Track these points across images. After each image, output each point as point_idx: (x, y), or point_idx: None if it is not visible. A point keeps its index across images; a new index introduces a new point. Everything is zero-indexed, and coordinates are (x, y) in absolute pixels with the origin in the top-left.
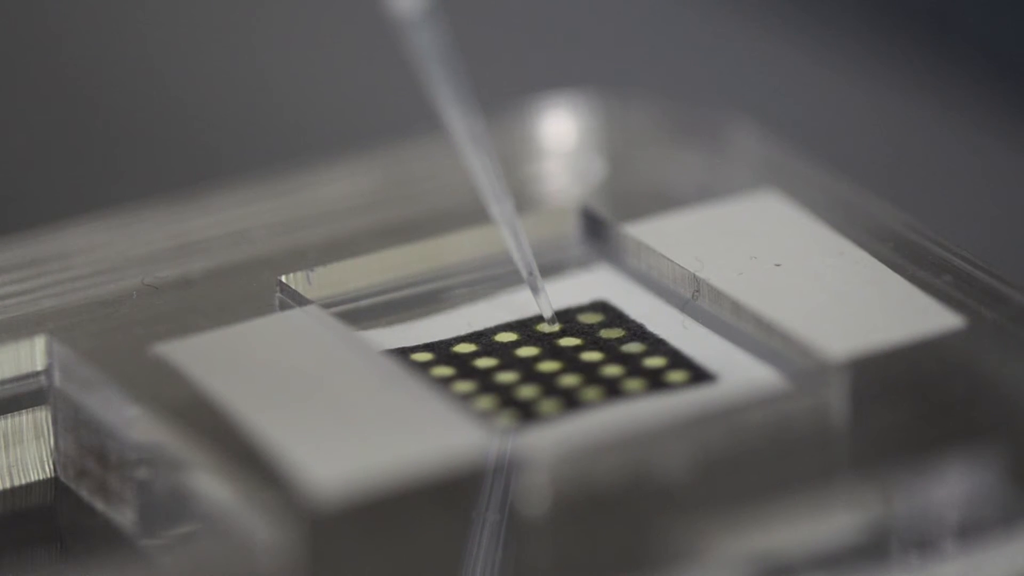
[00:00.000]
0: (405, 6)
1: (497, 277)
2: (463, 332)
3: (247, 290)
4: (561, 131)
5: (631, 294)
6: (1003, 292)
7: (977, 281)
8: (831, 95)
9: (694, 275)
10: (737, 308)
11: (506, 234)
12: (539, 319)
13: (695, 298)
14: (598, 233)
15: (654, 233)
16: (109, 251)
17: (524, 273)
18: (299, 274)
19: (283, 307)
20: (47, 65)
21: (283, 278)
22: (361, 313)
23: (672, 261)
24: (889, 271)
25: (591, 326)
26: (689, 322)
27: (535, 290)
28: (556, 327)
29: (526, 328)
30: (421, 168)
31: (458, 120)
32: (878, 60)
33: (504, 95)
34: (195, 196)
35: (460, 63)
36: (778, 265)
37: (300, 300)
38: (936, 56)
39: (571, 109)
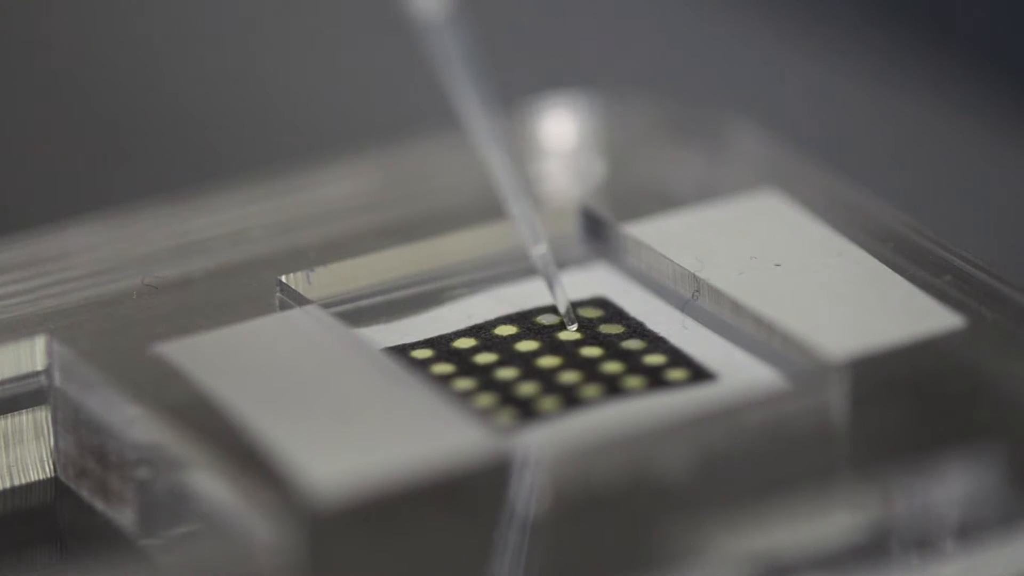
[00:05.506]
0: (429, 6)
1: (498, 277)
2: (463, 325)
3: (247, 290)
4: (561, 131)
5: (631, 293)
6: (1003, 292)
7: (977, 281)
8: (831, 95)
9: (694, 275)
10: (737, 308)
11: (525, 233)
12: (539, 311)
13: (695, 298)
14: (598, 233)
15: (654, 233)
16: (109, 251)
17: (542, 271)
18: (299, 274)
19: (283, 307)
20: (47, 65)
21: (283, 278)
22: (361, 313)
23: (672, 261)
24: (889, 271)
25: (591, 321)
26: (689, 322)
27: (553, 288)
28: (574, 328)
29: (526, 321)
30: (421, 168)
31: (480, 118)
32: (878, 60)
33: (505, 95)
34: (195, 196)
35: (483, 62)
36: (778, 265)
37: (300, 300)
38: (936, 56)
39: (571, 109)
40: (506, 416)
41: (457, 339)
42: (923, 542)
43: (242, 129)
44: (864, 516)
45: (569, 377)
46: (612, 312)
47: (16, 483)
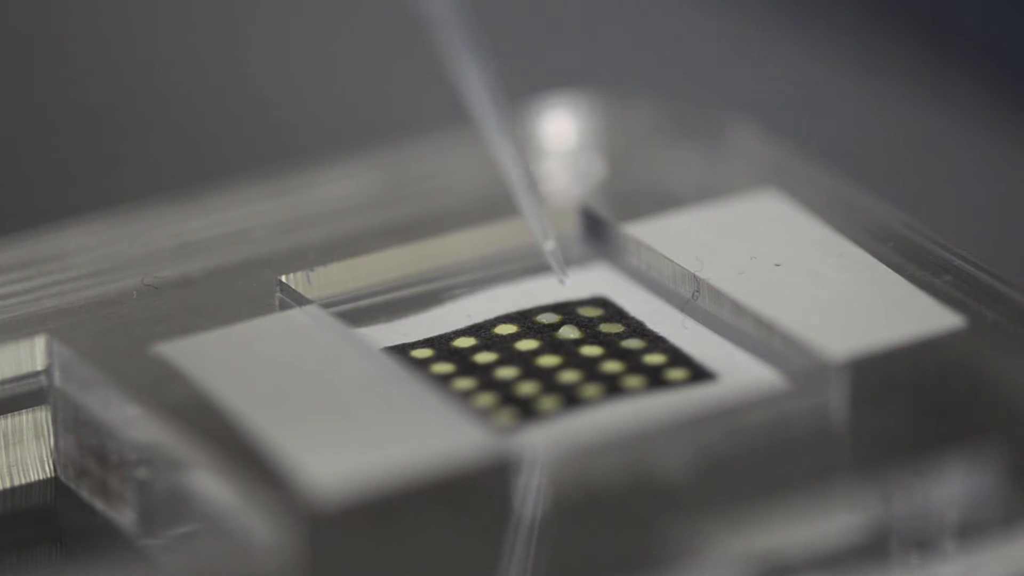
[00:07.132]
0: None
1: (497, 277)
2: (463, 324)
3: (247, 290)
4: (561, 131)
5: (631, 293)
6: (1003, 292)
7: (977, 281)
8: (832, 95)
9: (694, 275)
10: (737, 308)
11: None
12: (538, 311)
13: (695, 298)
14: (598, 233)
15: (654, 233)
16: (109, 251)
17: (539, 235)
18: (299, 274)
19: (283, 307)
20: (47, 65)
21: (283, 278)
22: (361, 313)
23: (672, 261)
24: (889, 271)
25: (591, 319)
26: (689, 322)
27: (548, 251)
28: (567, 283)
29: (526, 320)
30: (421, 168)
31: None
32: (878, 60)
33: (505, 95)
34: (195, 196)
35: (481, 32)
36: (778, 265)
37: (300, 300)
38: (936, 55)
39: (571, 109)
40: (506, 416)
41: (457, 338)
42: (923, 542)
43: (242, 129)
44: (864, 516)
45: (569, 376)
46: (612, 311)
47: (16, 483)
